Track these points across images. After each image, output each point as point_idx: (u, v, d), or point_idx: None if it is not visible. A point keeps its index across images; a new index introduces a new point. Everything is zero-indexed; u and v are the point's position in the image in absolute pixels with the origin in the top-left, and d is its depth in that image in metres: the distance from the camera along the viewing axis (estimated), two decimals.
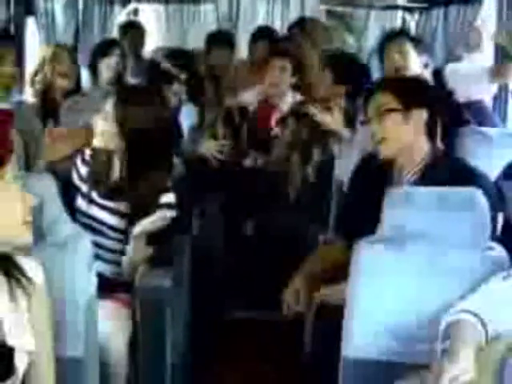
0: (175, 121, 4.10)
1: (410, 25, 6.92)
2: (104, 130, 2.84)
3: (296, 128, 4.27)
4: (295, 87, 4.74)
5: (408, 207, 2.27)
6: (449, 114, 3.65)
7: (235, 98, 4.84)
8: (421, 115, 2.75)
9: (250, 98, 4.72)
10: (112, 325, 2.64)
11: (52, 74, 3.92)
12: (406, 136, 2.74)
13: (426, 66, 4.14)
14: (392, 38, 4.06)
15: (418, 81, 3.22)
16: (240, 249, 4.38)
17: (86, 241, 2.29)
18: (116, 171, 2.91)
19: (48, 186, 2.25)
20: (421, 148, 2.78)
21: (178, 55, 4.99)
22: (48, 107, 3.91)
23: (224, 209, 4.32)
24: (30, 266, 1.90)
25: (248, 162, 4.48)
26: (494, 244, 2.30)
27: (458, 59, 5.30)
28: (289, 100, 4.63)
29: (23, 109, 3.83)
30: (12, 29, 4.59)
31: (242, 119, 4.52)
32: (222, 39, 5.61)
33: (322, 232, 3.36)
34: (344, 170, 3.40)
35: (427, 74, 4.05)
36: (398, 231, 2.27)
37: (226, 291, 4.15)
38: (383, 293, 2.22)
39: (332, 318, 2.48)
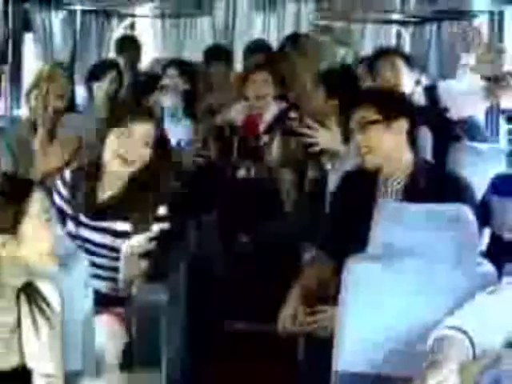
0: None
1: (404, 38, 7.00)
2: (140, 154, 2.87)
3: (288, 145, 4.31)
4: (279, 97, 4.79)
5: (397, 224, 2.31)
6: (441, 130, 3.72)
7: (225, 113, 4.87)
8: (402, 124, 2.83)
9: (235, 113, 4.75)
10: (106, 332, 2.68)
11: (46, 93, 3.92)
12: (389, 145, 2.82)
13: (417, 82, 4.18)
14: (384, 55, 4.08)
15: (397, 92, 3.29)
16: (237, 259, 4.41)
17: (83, 260, 2.34)
18: (110, 190, 2.93)
19: None
20: (405, 157, 2.86)
21: (184, 65, 5.13)
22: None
23: (220, 220, 4.36)
24: (49, 290, 1.96)
25: (241, 173, 4.52)
26: (481, 259, 2.35)
27: (452, 71, 5.38)
28: (273, 108, 4.65)
29: (18, 124, 3.85)
30: (10, 45, 4.63)
31: (231, 134, 4.56)
32: (219, 54, 5.70)
33: (309, 249, 3.36)
34: None
35: (419, 91, 4.10)
36: (387, 248, 2.30)
37: (224, 303, 4.17)
38: (373, 308, 2.26)
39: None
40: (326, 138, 3.64)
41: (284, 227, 4.31)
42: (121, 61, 5.73)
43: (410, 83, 3.97)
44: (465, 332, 2.00)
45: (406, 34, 6.93)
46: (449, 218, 2.31)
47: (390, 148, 2.82)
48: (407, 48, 6.93)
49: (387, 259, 2.30)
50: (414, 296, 2.26)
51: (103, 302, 2.72)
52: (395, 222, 2.32)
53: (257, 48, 5.92)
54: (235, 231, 4.49)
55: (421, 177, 2.82)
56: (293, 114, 4.56)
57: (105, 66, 4.82)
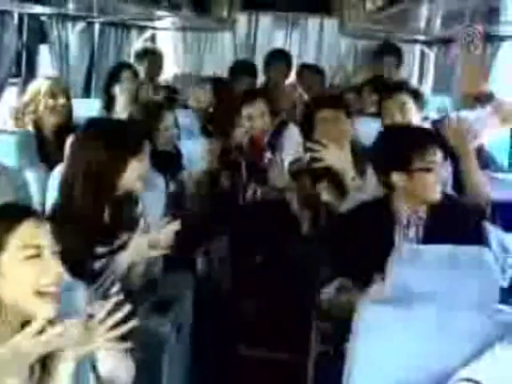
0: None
1: (429, 57, 6.90)
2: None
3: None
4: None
5: (414, 266, 2.20)
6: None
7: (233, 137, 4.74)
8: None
9: (239, 138, 4.59)
10: (117, 358, 2.56)
11: (44, 108, 3.84)
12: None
13: (425, 119, 4.06)
14: (393, 94, 3.92)
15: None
16: (247, 285, 4.30)
17: (81, 290, 2.22)
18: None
19: None
20: None
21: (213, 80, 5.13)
22: (37, 140, 3.82)
23: (230, 245, 4.25)
24: None
25: (248, 195, 4.37)
26: (503, 306, 2.23)
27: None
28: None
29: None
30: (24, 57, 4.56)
31: (239, 157, 4.42)
32: (246, 68, 5.71)
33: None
34: None
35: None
36: (404, 290, 2.18)
37: (232, 330, 4.07)
38: (384, 353, 2.15)
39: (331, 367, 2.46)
40: (335, 155, 3.48)
41: (299, 247, 4.18)
42: (141, 73, 5.66)
43: (417, 120, 3.84)
44: None
45: (431, 53, 6.83)
46: (471, 262, 2.20)
47: None
48: (431, 67, 6.87)
49: (403, 302, 2.18)
50: (428, 343, 2.14)
51: None
52: (411, 265, 2.21)
53: (277, 58, 5.89)
54: (247, 254, 4.38)
55: (439, 208, 2.78)
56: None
57: (120, 67, 4.80)
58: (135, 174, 2.74)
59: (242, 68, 5.80)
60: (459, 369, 2.00)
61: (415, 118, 3.83)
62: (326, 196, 3.53)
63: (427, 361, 2.13)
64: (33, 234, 1.79)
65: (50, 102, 3.81)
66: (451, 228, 2.62)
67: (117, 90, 4.65)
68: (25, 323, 1.77)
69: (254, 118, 4.25)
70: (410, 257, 2.24)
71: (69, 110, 3.91)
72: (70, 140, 3.01)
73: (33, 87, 3.90)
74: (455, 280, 2.18)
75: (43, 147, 3.76)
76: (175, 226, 2.70)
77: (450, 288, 2.18)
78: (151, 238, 2.68)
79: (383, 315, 2.18)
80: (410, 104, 3.83)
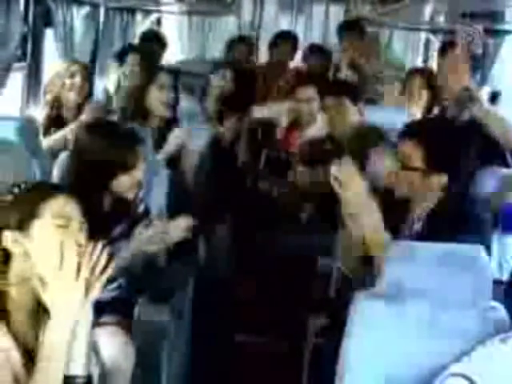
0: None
1: (434, 46, 6.86)
2: None
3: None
4: None
5: (409, 263, 2.22)
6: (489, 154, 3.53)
7: (264, 110, 4.70)
8: (441, 179, 2.65)
9: (278, 112, 4.52)
10: (120, 348, 2.58)
11: (62, 88, 3.94)
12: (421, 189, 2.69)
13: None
14: (413, 75, 3.88)
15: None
16: (247, 273, 4.33)
17: None
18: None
19: None
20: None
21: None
22: (56, 120, 3.91)
23: (232, 232, 4.27)
24: None
25: (263, 186, 4.34)
26: (495, 304, 2.25)
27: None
28: (318, 123, 4.33)
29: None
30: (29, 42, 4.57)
31: (264, 140, 4.39)
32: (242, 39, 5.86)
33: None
34: None
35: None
36: (399, 287, 2.21)
37: (231, 317, 4.10)
38: (378, 349, 2.17)
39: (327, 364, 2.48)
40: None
41: (299, 242, 4.20)
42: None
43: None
44: (471, 379, 1.94)
45: (436, 41, 6.79)
46: (465, 260, 2.22)
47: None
48: (435, 55, 6.83)
49: (397, 298, 2.20)
50: (420, 340, 2.17)
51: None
52: (406, 261, 2.22)
53: (283, 38, 5.88)
54: (248, 241, 4.41)
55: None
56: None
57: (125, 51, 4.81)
58: (125, 184, 2.77)
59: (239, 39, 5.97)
60: (450, 365, 2.03)
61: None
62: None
63: (419, 357, 2.15)
64: (64, 206, 1.93)
65: (68, 82, 3.91)
66: (450, 226, 2.56)
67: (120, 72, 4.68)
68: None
69: (301, 102, 4.25)
70: (404, 254, 2.26)
71: (87, 89, 4.02)
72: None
73: (53, 70, 4.02)
74: (449, 277, 2.20)
75: (61, 126, 3.85)
76: (186, 221, 2.75)
77: (443, 285, 2.20)
78: (153, 232, 2.71)
79: (376, 311, 2.20)
80: (422, 91, 3.78)
